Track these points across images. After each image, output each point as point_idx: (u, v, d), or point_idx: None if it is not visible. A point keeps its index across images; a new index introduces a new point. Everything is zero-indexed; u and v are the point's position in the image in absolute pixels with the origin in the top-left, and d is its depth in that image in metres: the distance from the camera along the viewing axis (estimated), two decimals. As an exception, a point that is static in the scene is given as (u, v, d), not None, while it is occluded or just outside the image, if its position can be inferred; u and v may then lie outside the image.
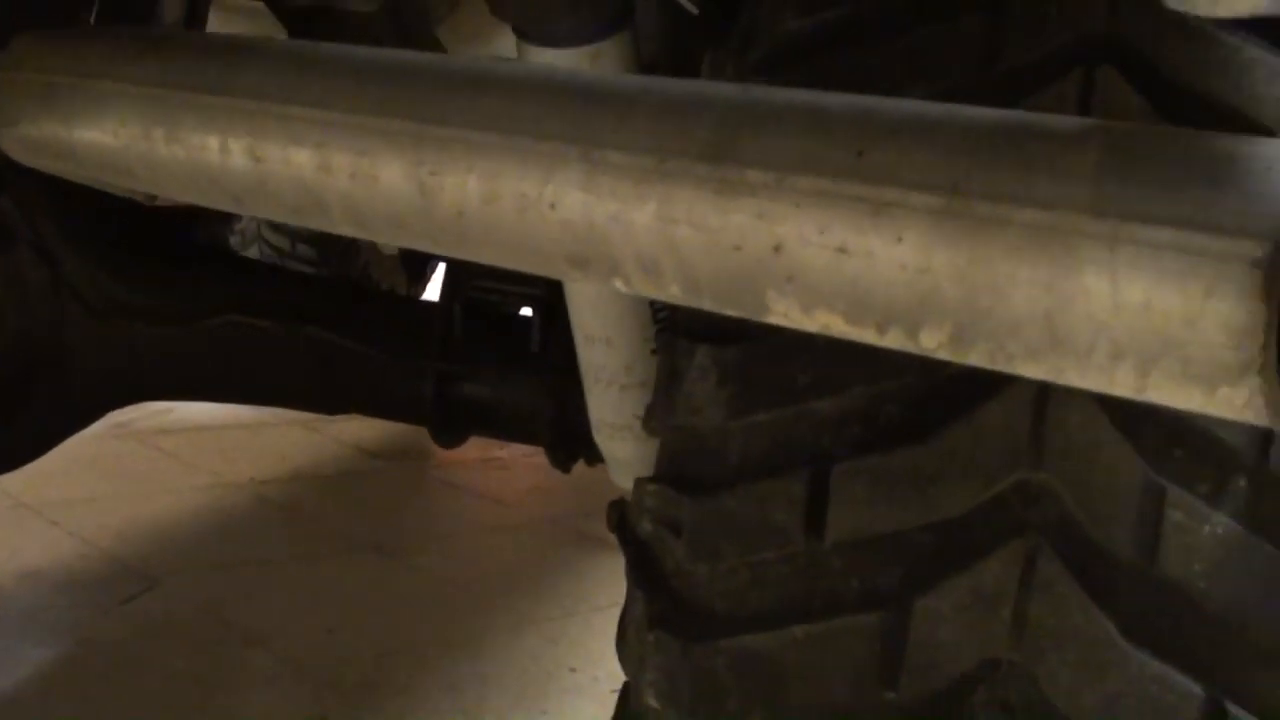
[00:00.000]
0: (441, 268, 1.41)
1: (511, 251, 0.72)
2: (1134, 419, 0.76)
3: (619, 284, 0.68)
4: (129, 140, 0.80)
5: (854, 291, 0.65)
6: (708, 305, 0.69)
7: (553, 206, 0.68)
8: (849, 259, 0.64)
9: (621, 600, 0.96)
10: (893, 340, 0.65)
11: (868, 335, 0.66)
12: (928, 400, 0.81)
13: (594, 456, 1.36)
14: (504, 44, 1.12)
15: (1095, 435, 0.77)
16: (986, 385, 0.78)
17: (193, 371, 1.43)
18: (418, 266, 3.13)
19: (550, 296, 1.33)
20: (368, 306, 1.41)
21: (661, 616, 0.87)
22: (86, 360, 1.44)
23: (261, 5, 1.35)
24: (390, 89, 0.73)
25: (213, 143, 0.77)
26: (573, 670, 2.11)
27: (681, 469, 0.88)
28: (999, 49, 0.81)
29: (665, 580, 0.89)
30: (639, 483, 0.92)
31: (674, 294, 0.67)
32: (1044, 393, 0.77)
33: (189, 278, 1.44)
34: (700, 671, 0.85)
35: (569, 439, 1.35)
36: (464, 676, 2.04)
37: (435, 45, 1.26)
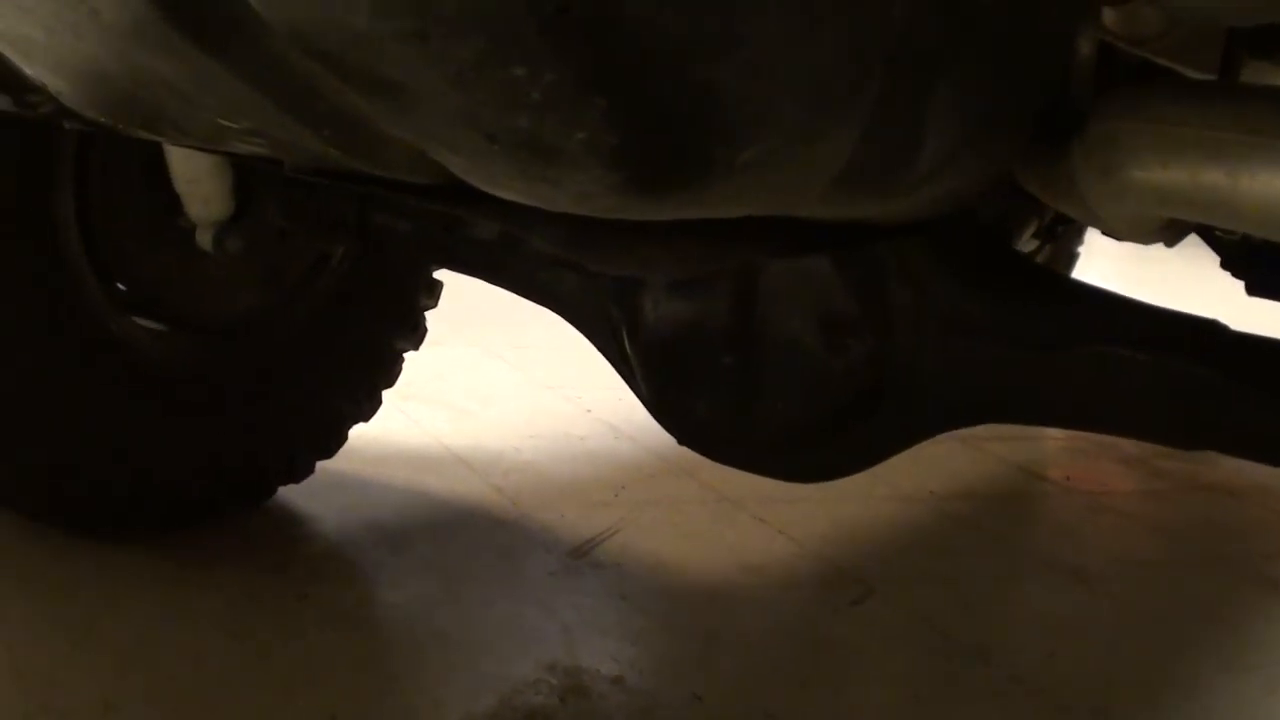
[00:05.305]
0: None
1: None
2: None
3: None
4: None
5: None
6: None
7: None
8: None
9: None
10: None
11: None
12: None
13: None
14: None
15: None
16: None
17: (1049, 398, 1.47)
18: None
19: None
20: (1232, 341, 1.41)
21: None
22: (937, 379, 1.52)
23: None
24: None
25: None
26: (1298, 722, 2.10)
27: None
28: None
29: None
30: None
31: None
32: None
33: (1048, 302, 1.48)
34: None
35: None
36: (1191, 715, 2.07)
37: None
